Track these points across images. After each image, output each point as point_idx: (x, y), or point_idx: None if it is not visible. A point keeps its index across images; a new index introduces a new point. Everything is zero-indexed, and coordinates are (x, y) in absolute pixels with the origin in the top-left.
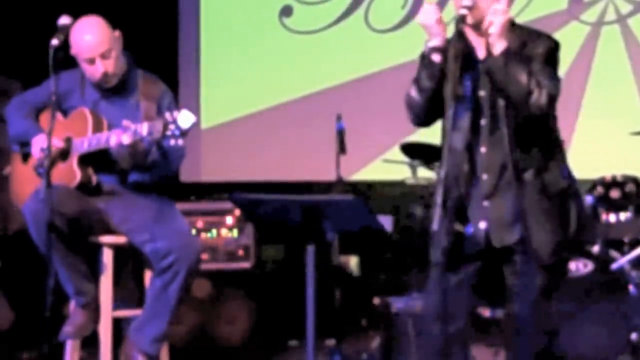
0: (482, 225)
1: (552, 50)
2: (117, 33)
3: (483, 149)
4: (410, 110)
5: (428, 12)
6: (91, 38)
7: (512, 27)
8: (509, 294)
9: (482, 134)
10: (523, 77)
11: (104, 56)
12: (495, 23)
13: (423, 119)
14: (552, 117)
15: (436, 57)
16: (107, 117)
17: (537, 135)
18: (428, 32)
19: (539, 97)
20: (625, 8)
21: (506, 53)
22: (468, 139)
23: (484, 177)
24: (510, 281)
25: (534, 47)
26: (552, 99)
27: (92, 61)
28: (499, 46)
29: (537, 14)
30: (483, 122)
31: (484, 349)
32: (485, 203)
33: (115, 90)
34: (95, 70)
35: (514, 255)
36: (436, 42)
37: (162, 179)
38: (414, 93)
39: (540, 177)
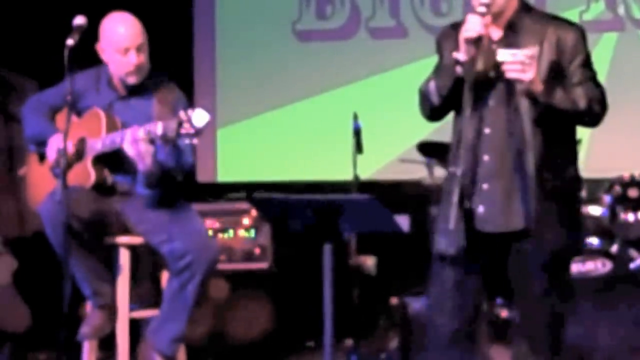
0: (480, 209)
1: (586, 45)
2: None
3: (487, 130)
4: (429, 107)
5: (475, 23)
6: (127, 28)
7: (530, 12)
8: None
9: (489, 114)
10: (579, 103)
11: (139, 49)
12: (524, 81)
13: (436, 118)
14: None
15: (458, 70)
16: (122, 119)
17: (559, 130)
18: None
19: (596, 111)
20: None
21: (542, 91)
22: (473, 119)
23: (485, 158)
24: (511, 276)
25: (568, 48)
26: (601, 100)
27: (126, 51)
28: (538, 90)
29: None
30: (491, 102)
31: (502, 350)
32: (485, 186)
33: (132, 92)
34: (128, 62)
35: (514, 246)
36: (462, 56)
37: (176, 180)
38: (434, 95)
39: (550, 178)
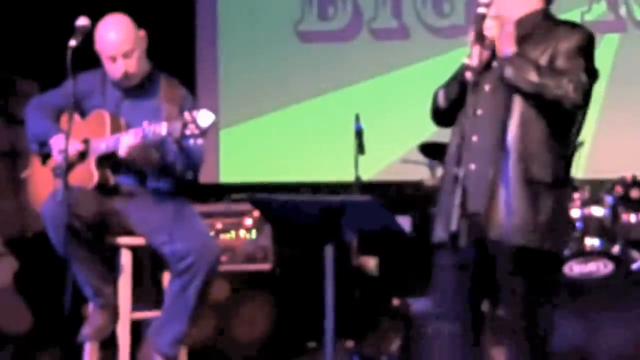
0: (468, 189)
1: (583, 42)
2: (141, 33)
3: (480, 112)
4: (434, 110)
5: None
6: (115, 36)
7: (545, 16)
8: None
9: (483, 98)
10: (532, 75)
11: (126, 55)
12: (491, 38)
13: (444, 122)
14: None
15: (468, 75)
16: (129, 118)
17: (550, 124)
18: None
19: (564, 93)
20: None
21: (511, 56)
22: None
23: (474, 138)
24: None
25: (564, 40)
26: (579, 91)
27: (114, 59)
28: (506, 52)
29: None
30: (487, 87)
31: (502, 350)
32: (472, 166)
33: (137, 91)
34: (117, 69)
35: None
36: (472, 61)
37: (185, 180)
38: (441, 99)
39: (525, 162)
